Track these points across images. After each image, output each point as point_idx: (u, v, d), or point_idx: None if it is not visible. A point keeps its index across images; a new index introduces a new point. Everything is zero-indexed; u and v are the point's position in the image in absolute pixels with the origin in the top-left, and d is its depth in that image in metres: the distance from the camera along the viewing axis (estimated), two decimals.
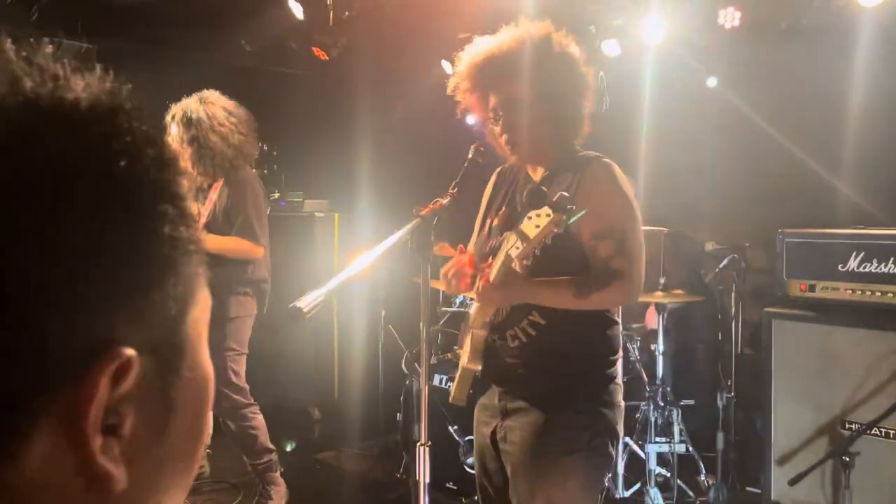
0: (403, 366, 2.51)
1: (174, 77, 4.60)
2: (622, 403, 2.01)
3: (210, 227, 3.55)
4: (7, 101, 0.41)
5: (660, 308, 3.85)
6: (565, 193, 1.79)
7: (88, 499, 0.41)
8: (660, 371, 3.81)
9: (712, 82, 4.41)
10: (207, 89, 3.61)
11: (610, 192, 1.92)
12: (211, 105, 3.52)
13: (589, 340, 1.98)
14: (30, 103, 0.42)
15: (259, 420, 3.75)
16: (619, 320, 2.05)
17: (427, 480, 1.71)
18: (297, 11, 3.95)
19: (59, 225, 0.39)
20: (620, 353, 2.02)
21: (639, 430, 3.78)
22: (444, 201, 1.80)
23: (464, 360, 1.96)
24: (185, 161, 3.47)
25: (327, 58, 4.71)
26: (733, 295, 4.07)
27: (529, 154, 1.99)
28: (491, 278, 1.81)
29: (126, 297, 0.41)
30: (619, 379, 2.01)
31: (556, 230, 1.81)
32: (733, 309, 4.10)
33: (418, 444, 1.69)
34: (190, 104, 3.52)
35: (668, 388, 3.83)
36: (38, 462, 0.39)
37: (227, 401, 3.62)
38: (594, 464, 1.90)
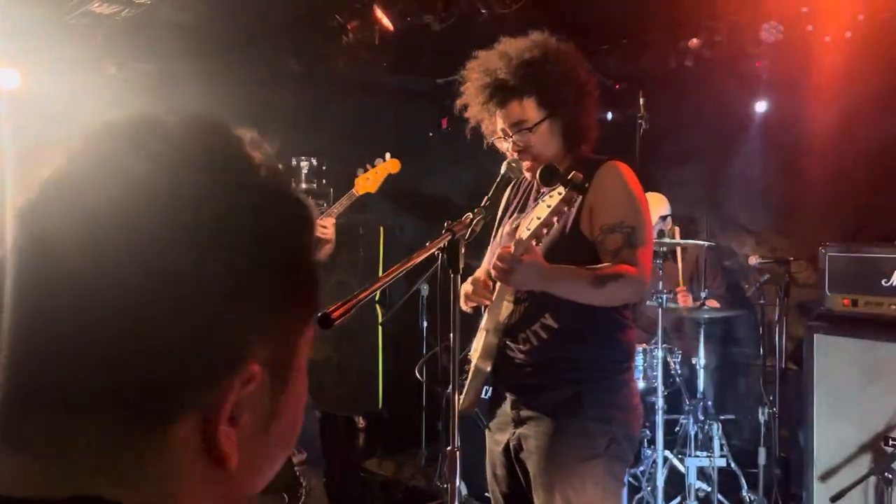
0: (417, 372, 2.59)
1: (225, 93, 4.79)
2: (639, 406, 2.04)
3: None
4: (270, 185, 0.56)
5: (700, 321, 3.85)
6: (579, 174, 1.83)
7: (209, 472, 0.53)
8: (700, 385, 3.81)
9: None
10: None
11: (618, 189, 1.99)
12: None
13: (602, 345, 2.00)
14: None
15: None
16: (631, 323, 2.07)
17: (457, 485, 1.77)
18: (387, 22, 4.01)
19: (257, 281, 0.52)
20: (635, 356, 2.05)
21: (679, 443, 3.78)
22: (473, 216, 1.87)
23: (474, 359, 2.01)
24: None
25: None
26: (777, 309, 4.04)
27: (566, 174, 2.05)
28: (512, 249, 1.84)
29: (270, 333, 0.54)
30: (635, 382, 2.04)
31: (566, 208, 1.86)
32: (777, 323, 4.07)
33: (447, 449, 1.76)
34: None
35: (710, 403, 3.82)
36: (180, 436, 0.51)
37: None
38: (612, 469, 1.93)
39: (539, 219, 1.87)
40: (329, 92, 5.57)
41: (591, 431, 1.93)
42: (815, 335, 3.43)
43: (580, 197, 1.91)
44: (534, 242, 1.88)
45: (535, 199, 1.90)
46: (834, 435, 3.37)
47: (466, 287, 2.06)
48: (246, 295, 0.52)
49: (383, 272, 5.41)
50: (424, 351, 4.64)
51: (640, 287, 1.93)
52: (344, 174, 6.00)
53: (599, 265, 1.91)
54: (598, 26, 4.53)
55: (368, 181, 3.78)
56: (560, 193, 1.84)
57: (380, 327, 5.30)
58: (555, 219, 1.87)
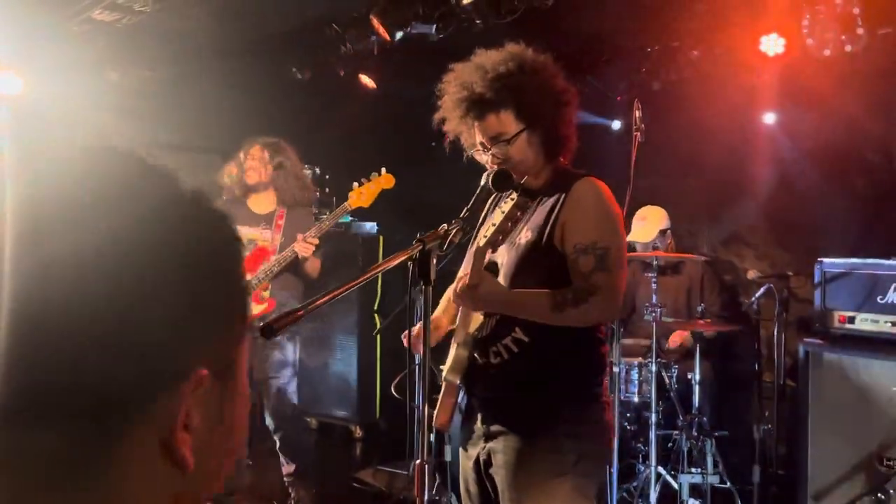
0: (393, 390, 2.54)
1: (227, 101, 4.82)
2: (611, 422, 2.00)
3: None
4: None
5: (696, 336, 3.81)
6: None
7: (168, 475, 0.54)
8: (695, 400, 3.76)
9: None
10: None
11: (593, 208, 1.95)
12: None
13: (572, 361, 1.97)
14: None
15: None
16: (605, 339, 2.05)
17: (426, 498, 1.75)
18: (383, 32, 4.03)
19: (204, 296, 0.55)
20: (607, 370, 2.03)
21: (672, 459, 3.74)
22: (450, 227, 1.85)
23: (445, 373, 1.99)
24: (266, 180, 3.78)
25: (375, 86, 4.86)
26: (775, 325, 3.98)
27: (519, 180, 2.04)
28: (468, 279, 1.84)
29: (213, 343, 0.57)
30: (606, 397, 2.00)
31: (519, 213, 1.85)
32: (775, 339, 4.01)
33: (416, 462, 1.74)
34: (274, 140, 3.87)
35: (704, 419, 3.77)
36: (139, 445, 0.52)
37: (292, 408, 3.85)
38: (581, 486, 1.89)
39: (494, 225, 1.86)
40: (331, 100, 5.59)
41: (560, 447, 1.89)
42: (809, 352, 3.38)
43: (532, 203, 1.91)
44: (490, 250, 1.86)
45: (489, 182, 1.89)
46: (828, 453, 3.31)
47: (445, 299, 2.05)
48: (196, 309, 0.54)
49: (382, 282, 5.42)
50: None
51: (608, 311, 1.91)
52: (346, 183, 6.01)
53: (566, 289, 1.88)
54: (599, 39, 4.52)
55: (363, 195, 3.76)
56: (513, 199, 1.82)
57: (377, 336, 5.28)
58: (509, 224, 1.85)
